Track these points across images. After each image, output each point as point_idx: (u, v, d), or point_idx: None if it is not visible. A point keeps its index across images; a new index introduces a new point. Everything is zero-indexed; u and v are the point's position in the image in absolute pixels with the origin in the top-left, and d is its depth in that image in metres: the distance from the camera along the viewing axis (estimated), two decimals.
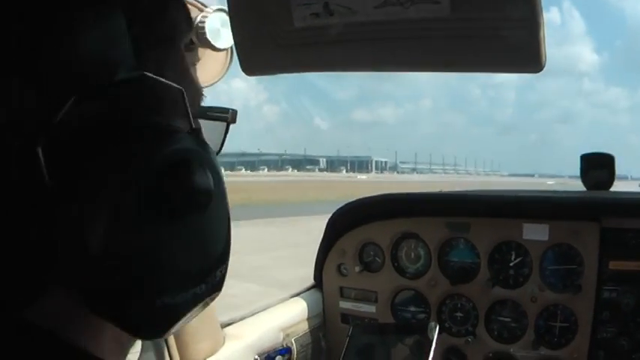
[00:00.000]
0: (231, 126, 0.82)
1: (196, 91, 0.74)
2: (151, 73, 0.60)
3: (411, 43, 1.27)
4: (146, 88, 0.61)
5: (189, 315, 0.67)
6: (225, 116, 0.82)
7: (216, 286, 0.69)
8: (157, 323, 0.64)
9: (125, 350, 0.74)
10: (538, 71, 1.19)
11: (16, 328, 0.60)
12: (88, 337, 0.65)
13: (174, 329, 0.66)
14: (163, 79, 0.62)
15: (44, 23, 0.58)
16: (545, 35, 1.12)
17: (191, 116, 0.65)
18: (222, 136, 0.83)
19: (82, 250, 0.57)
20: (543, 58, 1.14)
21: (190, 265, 0.64)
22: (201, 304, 0.68)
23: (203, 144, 0.66)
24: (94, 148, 0.58)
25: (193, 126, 0.65)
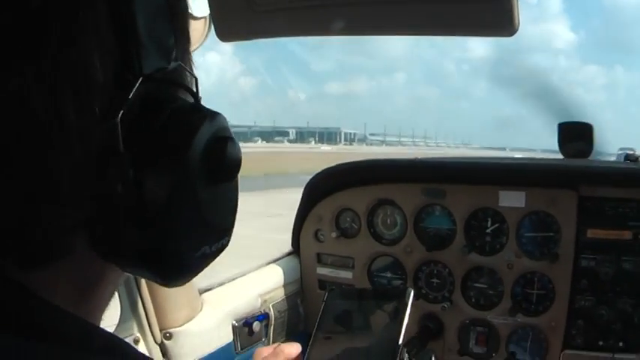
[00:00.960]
0: (208, 100, 0.81)
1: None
2: (181, 62, 0.71)
3: (385, 6, 1.26)
4: (181, 76, 0.71)
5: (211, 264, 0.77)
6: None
7: (230, 238, 0.78)
8: (192, 270, 0.74)
9: (102, 308, 0.78)
10: (511, 34, 1.17)
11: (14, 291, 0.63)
12: (79, 298, 0.69)
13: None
14: (189, 69, 0.73)
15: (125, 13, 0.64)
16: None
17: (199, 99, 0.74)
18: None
19: (142, 207, 0.64)
20: (516, 21, 1.12)
21: (223, 221, 0.74)
22: (221, 253, 0.77)
23: (225, 121, 0.73)
24: (156, 122, 0.65)
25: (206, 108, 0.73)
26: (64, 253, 0.64)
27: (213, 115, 0.70)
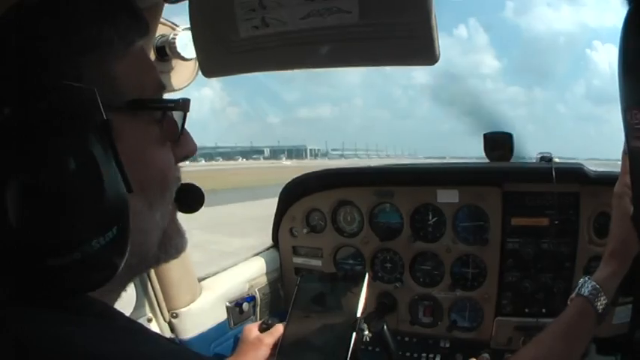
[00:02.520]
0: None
1: (146, 87, 0.83)
2: (69, 78, 0.70)
3: (331, 44, 1.34)
4: (64, 90, 0.70)
5: (70, 278, 0.72)
6: (177, 106, 0.88)
7: (92, 256, 0.73)
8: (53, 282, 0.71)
9: (117, 289, 0.85)
10: (433, 63, 1.24)
11: (38, 273, 0.69)
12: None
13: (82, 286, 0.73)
14: (76, 83, 0.70)
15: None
16: (438, 35, 1.19)
17: (102, 109, 0.71)
18: (182, 122, 0.90)
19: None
20: (437, 52, 1.20)
21: (67, 232, 0.70)
22: (84, 270, 0.73)
23: (105, 135, 0.72)
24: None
25: (104, 117, 0.72)
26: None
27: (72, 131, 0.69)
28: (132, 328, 0.79)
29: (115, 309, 0.79)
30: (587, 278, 1.30)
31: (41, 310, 0.68)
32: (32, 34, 0.71)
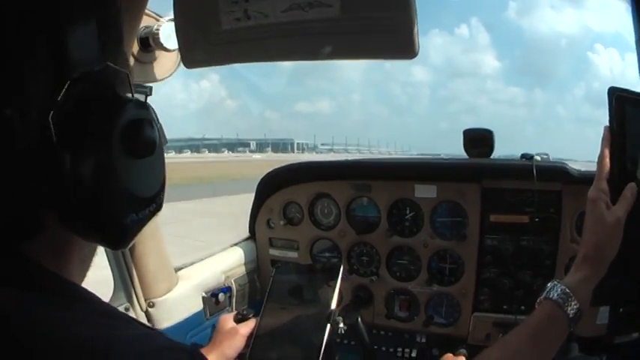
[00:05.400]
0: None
1: (130, 74, 0.90)
2: (111, 63, 0.78)
3: (312, 38, 1.38)
4: (109, 74, 0.78)
5: (144, 227, 0.84)
6: (145, 91, 0.95)
7: (159, 206, 0.86)
8: (127, 234, 0.80)
9: (82, 274, 0.89)
10: (412, 57, 1.29)
11: (13, 257, 0.76)
12: (62, 263, 0.81)
13: (134, 239, 0.83)
14: (119, 67, 0.79)
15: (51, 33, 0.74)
16: (418, 29, 1.23)
17: (133, 91, 0.82)
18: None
19: (77, 184, 0.72)
20: (416, 46, 1.25)
21: (146, 191, 0.82)
22: (152, 219, 0.85)
23: (148, 107, 0.83)
24: (82, 115, 0.73)
25: (134, 97, 0.81)
26: (37, 227, 0.77)
27: (132, 103, 0.79)
28: (109, 311, 0.83)
29: (93, 292, 0.83)
30: (556, 282, 1.30)
31: (27, 292, 0.73)
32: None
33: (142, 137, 0.79)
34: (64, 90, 0.72)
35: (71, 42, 0.75)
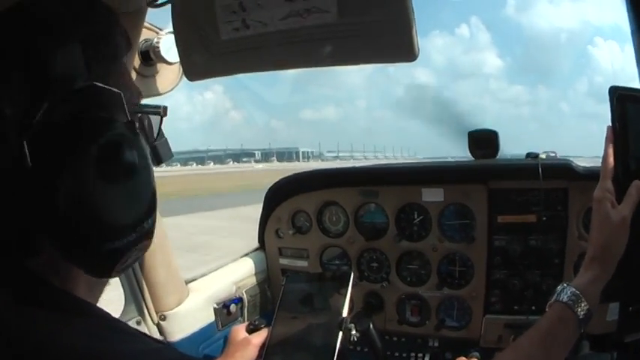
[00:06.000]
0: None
1: (133, 93, 0.90)
2: (99, 82, 0.77)
3: (311, 44, 1.39)
4: (95, 93, 0.77)
5: (127, 256, 0.82)
6: (159, 111, 0.96)
7: (145, 235, 0.83)
8: (105, 264, 0.80)
9: (95, 293, 0.90)
10: (413, 60, 1.29)
11: (19, 273, 0.77)
12: (69, 281, 0.82)
13: (118, 269, 0.82)
14: (106, 86, 0.77)
15: (24, 54, 0.74)
16: (417, 32, 1.23)
17: (127, 110, 0.80)
18: (159, 126, 0.97)
19: (53, 211, 0.72)
20: (416, 48, 1.26)
21: (125, 218, 0.79)
22: (136, 249, 0.82)
23: (133, 130, 0.81)
24: (57, 137, 0.73)
25: (129, 118, 0.80)
26: (35, 246, 0.77)
27: (115, 124, 0.77)
28: (117, 326, 0.83)
29: (101, 308, 0.84)
30: (565, 284, 1.30)
31: (32, 308, 0.74)
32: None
33: (117, 160, 0.77)
34: (41, 112, 0.71)
35: (50, 62, 0.74)
